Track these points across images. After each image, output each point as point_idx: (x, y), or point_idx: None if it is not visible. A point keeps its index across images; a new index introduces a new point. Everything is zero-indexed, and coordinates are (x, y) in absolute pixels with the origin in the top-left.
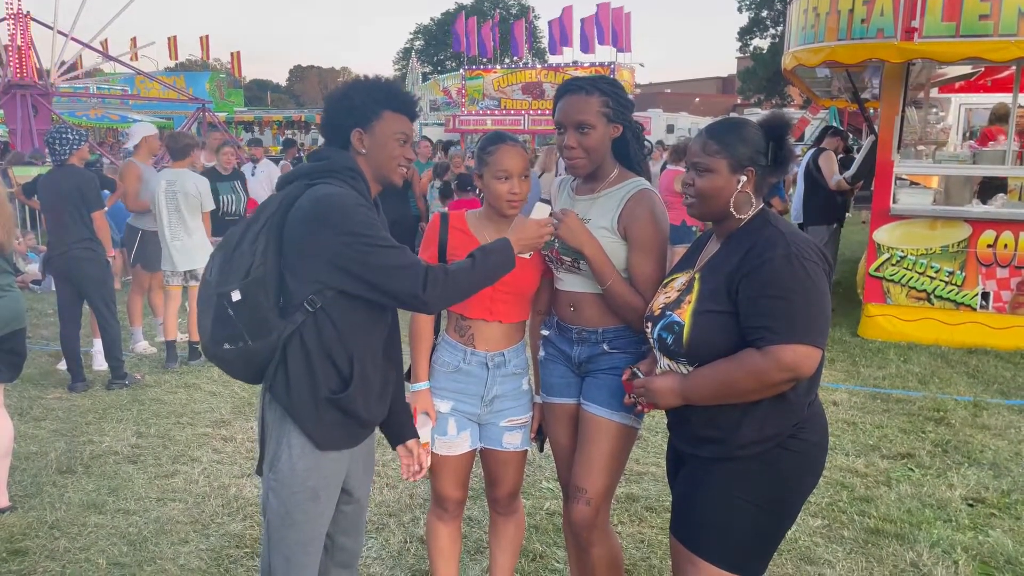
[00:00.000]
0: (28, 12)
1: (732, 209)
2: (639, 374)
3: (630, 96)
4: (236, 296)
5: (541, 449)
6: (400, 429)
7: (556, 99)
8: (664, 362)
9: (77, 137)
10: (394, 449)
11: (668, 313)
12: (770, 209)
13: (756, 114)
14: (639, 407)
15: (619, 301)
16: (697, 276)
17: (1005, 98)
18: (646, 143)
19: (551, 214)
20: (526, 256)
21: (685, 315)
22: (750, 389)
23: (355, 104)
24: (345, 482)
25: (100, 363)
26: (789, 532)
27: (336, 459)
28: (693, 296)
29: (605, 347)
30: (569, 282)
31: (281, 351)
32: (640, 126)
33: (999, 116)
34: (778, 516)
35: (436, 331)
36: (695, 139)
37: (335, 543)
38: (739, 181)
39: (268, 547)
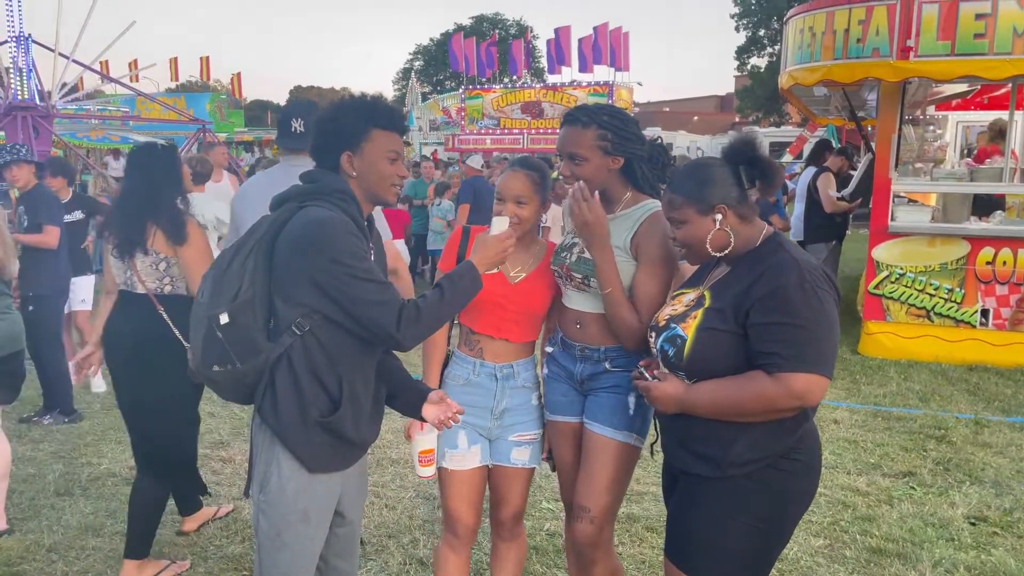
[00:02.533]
0: (29, 34)
1: (709, 248)
2: (647, 376)
3: (634, 128)
4: (224, 319)
5: (554, 468)
6: (416, 397)
7: (560, 126)
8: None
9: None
10: (421, 418)
11: (672, 325)
12: (782, 233)
13: (754, 132)
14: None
15: (615, 311)
16: (707, 293)
17: (1002, 115)
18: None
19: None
20: (493, 272)
21: (689, 329)
22: (754, 411)
23: (342, 127)
24: (339, 504)
25: (99, 385)
26: (791, 552)
27: (327, 481)
28: (700, 312)
29: (607, 365)
30: (577, 300)
31: (269, 374)
32: (662, 149)
33: (998, 132)
34: (771, 535)
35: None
36: (664, 194)
37: (329, 565)
38: (715, 221)
39: (260, 570)
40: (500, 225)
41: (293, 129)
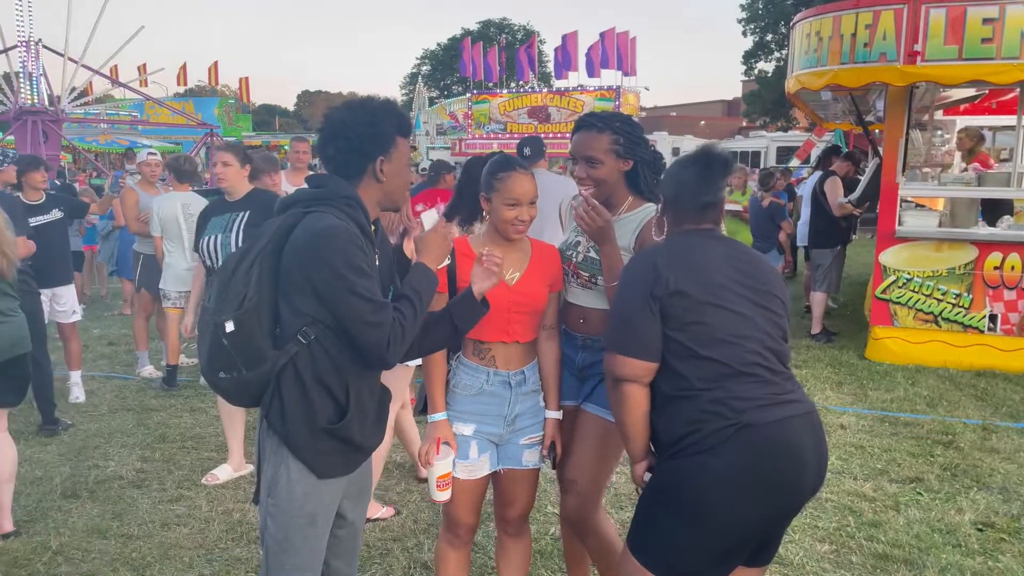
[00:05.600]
0: (39, 39)
1: None
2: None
3: (642, 133)
4: (230, 327)
5: (554, 465)
6: (465, 303)
7: (573, 132)
8: None
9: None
10: (481, 291)
11: None
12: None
13: (761, 136)
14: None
15: None
16: None
17: (1010, 120)
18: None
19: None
20: (443, 265)
21: None
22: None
23: (380, 131)
24: (340, 506)
25: (77, 395)
26: (796, 557)
27: (333, 484)
28: None
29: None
30: (582, 296)
31: (276, 381)
32: (660, 156)
33: (978, 138)
34: (670, 512)
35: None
36: None
37: (330, 567)
38: None
39: (267, 572)
40: (431, 219)
41: (525, 154)
